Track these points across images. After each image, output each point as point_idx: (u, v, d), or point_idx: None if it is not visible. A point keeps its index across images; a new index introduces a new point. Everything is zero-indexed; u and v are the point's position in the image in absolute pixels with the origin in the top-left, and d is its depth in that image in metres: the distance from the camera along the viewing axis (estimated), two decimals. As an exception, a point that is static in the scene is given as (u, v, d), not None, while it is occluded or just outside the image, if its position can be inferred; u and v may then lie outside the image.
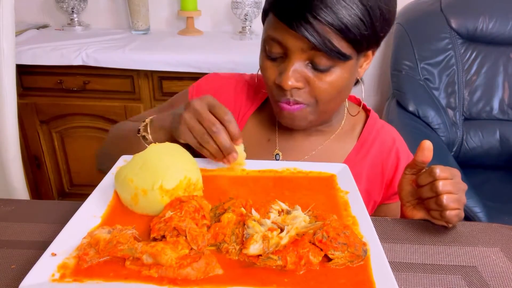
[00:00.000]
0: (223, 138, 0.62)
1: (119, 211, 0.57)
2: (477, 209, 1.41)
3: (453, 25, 1.83)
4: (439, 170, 0.60)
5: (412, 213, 0.66)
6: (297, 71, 0.67)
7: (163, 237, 0.49)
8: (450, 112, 1.85)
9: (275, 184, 0.66)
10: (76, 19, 2.05)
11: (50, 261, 0.45)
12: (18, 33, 1.84)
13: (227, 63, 1.68)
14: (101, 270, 0.45)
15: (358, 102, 0.88)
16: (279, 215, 0.54)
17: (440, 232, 0.62)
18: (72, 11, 2.02)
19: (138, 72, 1.75)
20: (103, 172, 0.87)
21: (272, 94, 0.73)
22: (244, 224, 0.51)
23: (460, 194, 0.61)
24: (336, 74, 0.67)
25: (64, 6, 2.00)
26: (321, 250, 0.48)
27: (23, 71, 1.73)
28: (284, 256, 0.46)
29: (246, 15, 1.94)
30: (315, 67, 0.67)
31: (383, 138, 0.83)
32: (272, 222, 0.51)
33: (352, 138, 0.84)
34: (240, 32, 2.00)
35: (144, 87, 1.78)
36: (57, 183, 2.02)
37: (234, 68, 1.67)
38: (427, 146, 0.63)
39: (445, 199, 0.59)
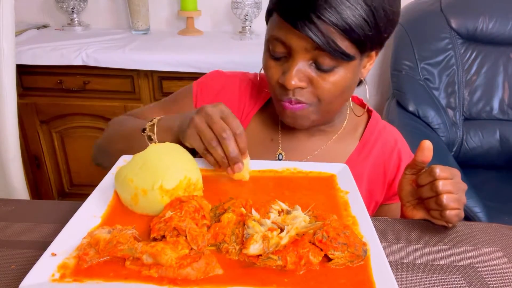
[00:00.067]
0: (232, 146, 0.61)
1: (119, 211, 0.57)
2: (477, 209, 1.41)
3: (453, 25, 1.83)
4: (439, 170, 0.60)
5: (412, 213, 0.66)
6: (300, 71, 0.67)
7: (163, 237, 0.49)
8: (450, 112, 1.85)
9: (275, 184, 0.66)
10: (76, 19, 2.05)
11: (50, 261, 0.45)
12: (18, 33, 1.84)
13: (227, 63, 1.69)
14: (101, 270, 0.45)
15: (360, 102, 0.88)
16: (279, 215, 0.54)
17: (440, 232, 0.62)
18: (72, 11, 2.02)
19: (138, 72, 1.75)
20: (99, 166, 0.86)
21: (275, 93, 0.73)
22: (244, 224, 0.51)
23: (460, 194, 0.61)
24: (340, 74, 0.67)
25: (64, 6, 2.00)
26: (321, 250, 0.48)
27: (23, 71, 1.73)
28: (284, 256, 0.46)
29: (246, 15, 1.94)
30: (318, 67, 0.67)
31: (385, 139, 0.83)
32: (272, 222, 0.51)
33: (354, 138, 0.84)
34: (240, 32, 2.00)
35: (144, 87, 1.78)
36: (57, 183, 2.02)
37: (234, 68, 1.66)
38: (427, 146, 0.63)
39: (445, 198, 0.59)
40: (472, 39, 1.85)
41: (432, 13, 1.86)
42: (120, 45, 1.79)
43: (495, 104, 1.86)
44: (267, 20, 0.72)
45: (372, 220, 0.55)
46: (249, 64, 1.66)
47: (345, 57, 0.64)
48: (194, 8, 2.03)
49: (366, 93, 0.80)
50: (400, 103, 1.82)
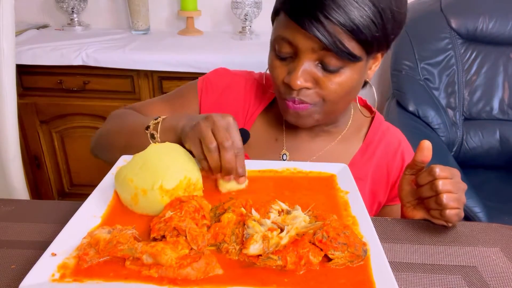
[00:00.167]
0: (230, 157, 0.59)
1: (119, 211, 0.57)
2: (477, 209, 1.41)
3: (453, 25, 1.83)
4: (438, 170, 0.60)
5: (412, 213, 0.66)
6: (306, 71, 0.67)
7: (163, 237, 0.49)
8: (450, 112, 1.85)
9: (275, 184, 0.66)
10: (76, 19, 2.05)
11: (50, 261, 0.45)
12: (18, 33, 1.84)
13: (227, 63, 1.66)
14: (101, 270, 0.45)
15: (363, 104, 0.89)
16: (279, 215, 0.54)
17: (440, 232, 0.62)
18: (72, 11, 2.02)
19: (138, 72, 1.75)
20: (97, 157, 0.86)
21: (279, 91, 0.73)
22: (244, 224, 0.51)
23: (460, 194, 0.61)
24: (346, 75, 0.67)
25: (64, 6, 2.00)
26: (321, 250, 0.48)
27: (23, 71, 1.73)
28: (284, 256, 0.46)
29: (246, 15, 1.94)
30: (324, 68, 0.66)
31: (389, 140, 0.83)
32: (272, 222, 0.51)
33: (358, 139, 0.84)
34: (240, 32, 2.00)
35: (144, 87, 1.78)
36: (57, 183, 2.02)
37: (234, 68, 1.67)
38: (427, 146, 0.63)
39: (445, 198, 0.59)
40: (472, 39, 1.85)
41: (432, 13, 1.86)
42: (120, 45, 1.79)
43: (495, 104, 1.86)
44: (273, 20, 0.72)
45: (372, 220, 0.55)
46: (249, 64, 1.65)
47: (352, 58, 0.64)
48: (194, 8, 2.03)
49: (369, 94, 0.80)
50: (400, 103, 1.82)
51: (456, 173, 0.62)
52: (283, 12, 0.66)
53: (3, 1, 1.21)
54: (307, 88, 0.68)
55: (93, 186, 0.60)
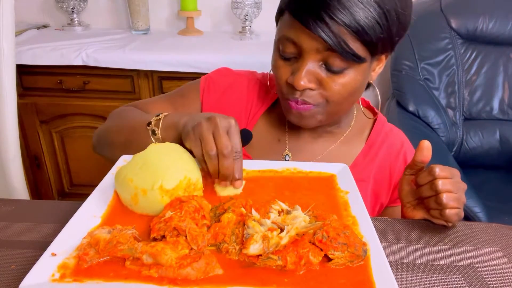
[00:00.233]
0: (227, 165, 0.59)
1: (119, 211, 0.57)
2: (477, 209, 1.41)
3: (453, 25, 1.83)
4: (438, 169, 0.60)
5: (412, 213, 0.66)
6: (310, 72, 0.66)
7: (163, 237, 0.49)
8: (450, 112, 1.85)
9: (275, 184, 0.66)
10: (76, 19, 2.05)
11: (50, 261, 0.45)
12: (18, 33, 1.84)
13: (227, 63, 1.66)
14: (101, 270, 0.45)
15: (366, 105, 0.89)
16: (279, 215, 0.54)
17: (440, 232, 0.62)
18: (72, 11, 2.02)
19: (138, 72, 1.75)
20: (99, 155, 0.86)
21: (282, 92, 0.72)
22: (244, 224, 0.51)
23: (459, 193, 0.61)
24: (350, 76, 0.67)
25: (64, 6, 2.00)
26: (321, 250, 0.48)
27: (23, 71, 1.73)
28: (284, 256, 0.46)
29: (246, 15, 1.94)
30: (328, 68, 0.66)
31: (392, 141, 0.83)
32: (272, 222, 0.51)
33: (360, 141, 0.84)
34: (240, 32, 2.00)
35: (144, 87, 1.78)
36: (57, 183, 2.02)
37: (234, 68, 1.67)
38: (426, 146, 0.63)
39: (445, 197, 0.59)
40: (472, 39, 1.85)
41: (432, 13, 1.86)
42: (120, 45, 1.79)
43: (495, 104, 1.86)
44: (277, 20, 0.71)
45: (372, 220, 0.55)
46: (249, 64, 1.65)
47: (356, 59, 0.64)
48: (194, 8, 2.03)
49: (372, 94, 0.79)
50: (400, 103, 1.82)
51: (456, 173, 0.62)
52: (287, 12, 0.66)
53: (3, 1, 1.21)
54: (311, 89, 0.68)
55: (93, 186, 0.60)
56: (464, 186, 0.63)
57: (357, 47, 0.63)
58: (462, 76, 1.86)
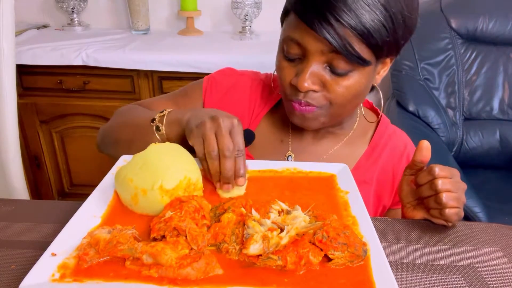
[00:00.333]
0: (229, 166, 0.59)
1: (119, 211, 0.57)
2: (477, 209, 1.41)
3: (453, 25, 1.83)
4: (438, 169, 0.60)
5: (413, 214, 0.66)
6: (314, 74, 0.66)
7: (163, 237, 0.49)
8: (450, 112, 1.85)
9: (275, 184, 0.66)
10: (76, 19, 2.05)
11: (50, 261, 0.45)
12: (18, 33, 1.84)
13: (227, 63, 1.66)
14: (101, 270, 0.45)
15: (370, 106, 0.88)
16: (279, 215, 0.54)
17: (440, 232, 0.62)
18: (72, 11, 2.02)
19: (138, 72, 1.75)
20: (103, 153, 0.86)
21: (286, 93, 0.72)
22: (244, 224, 0.51)
23: (459, 193, 0.61)
24: (354, 79, 0.66)
25: (64, 6, 2.00)
26: (321, 250, 0.48)
27: (23, 71, 1.73)
28: (284, 256, 0.46)
29: (246, 15, 1.94)
30: (333, 71, 0.66)
31: (395, 143, 0.83)
32: (272, 222, 0.51)
33: (363, 142, 0.84)
34: (240, 32, 2.00)
35: (144, 87, 1.78)
36: (57, 183, 2.02)
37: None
38: (425, 146, 0.63)
39: (445, 197, 0.59)
40: (472, 39, 1.85)
41: (432, 13, 1.86)
42: (120, 45, 1.79)
43: (495, 104, 1.86)
44: (282, 20, 0.71)
45: (372, 220, 0.55)
46: (249, 64, 1.65)
47: (361, 62, 0.64)
48: (194, 8, 2.03)
49: (376, 96, 0.79)
50: (400, 103, 1.82)
51: (455, 172, 0.62)
52: (293, 13, 0.66)
53: (3, 1, 1.21)
54: (314, 91, 0.68)
55: (93, 186, 0.60)
56: (464, 186, 0.62)
57: (362, 49, 0.63)
58: (462, 76, 1.86)
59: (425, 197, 0.63)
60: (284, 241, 0.48)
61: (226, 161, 0.59)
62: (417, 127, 1.73)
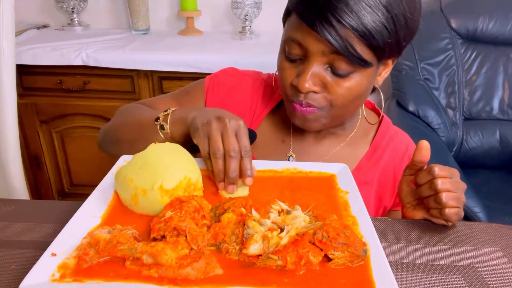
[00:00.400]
0: (234, 167, 0.59)
1: (119, 211, 0.57)
2: (477, 209, 1.40)
3: (453, 25, 1.83)
4: (438, 169, 0.60)
5: (412, 214, 0.66)
6: (315, 75, 0.66)
7: (163, 237, 0.49)
8: (450, 112, 1.85)
9: (275, 184, 0.66)
10: (76, 19, 2.05)
11: (50, 261, 0.45)
12: (18, 33, 1.84)
13: (227, 63, 1.66)
14: (101, 270, 0.45)
15: (372, 107, 0.88)
16: (279, 215, 0.54)
17: (440, 232, 0.62)
18: (72, 11, 2.02)
19: (138, 72, 1.75)
20: (105, 152, 0.86)
21: (287, 93, 0.72)
22: (244, 224, 0.51)
23: (459, 193, 0.61)
24: (355, 80, 0.66)
25: (64, 6, 2.00)
26: (321, 250, 0.48)
27: (23, 71, 1.73)
28: (284, 256, 0.46)
29: (246, 15, 1.94)
30: (334, 72, 0.66)
31: (396, 144, 0.83)
32: (272, 222, 0.51)
33: (365, 143, 0.84)
34: (240, 32, 2.00)
35: (144, 87, 1.78)
36: (57, 183, 2.02)
37: (234, 68, 1.67)
38: (425, 145, 0.63)
39: (444, 196, 0.59)
40: (472, 39, 1.85)
41: (432, 13, 1.86)
42: (120, 45, 1.79)
43: (495, 104, 1.86)
44: (284, 21, 0.71)
45: (372, 220, 0.55)
46: (249, 64, 1.64)
47: (362, 63, 0.63)
48: (194, 8, 2.03)
49: (371, 96, 0.79)
50: (400, 103, 1.82)
51: (455, 172, 0.62)
52: (294, 14, 0.66)
53: (3, 1, 1.21)
54: (315, 92, 0.68)
55: (93, 186, 0.60)
56: (463, 185, 0.62)
57: (363, 51, 0.63)
58: (462, 76, 1.86)
59: (425, 197, 0.63)
60: (284, 241, 0.48)
61: (231, 161, 0.59)
62: (417, 127, 1.73)
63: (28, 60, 1.69)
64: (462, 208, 0.62)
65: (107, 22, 2.18)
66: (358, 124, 0.85)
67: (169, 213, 0.50)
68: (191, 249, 0.47)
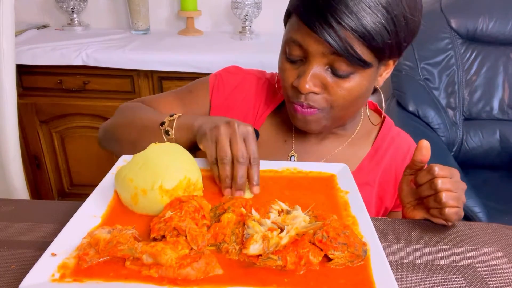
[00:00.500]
0: (242, 173, 0.59)
1: (119, 211, 0.57)
2: (477, 209, 1.41)
3: (453, 25, 1.83)
4: (438, 168, 0.60)
5: (413, 213, 0.66)
6: (315, 76, 0.66)
7: (163, 237, 0.49)
8: (450, 112, 1.85)
9: (275, 184, 0.66)
10: (76, 19, 2.05)
11: (50, 261, 0.45)
12: (18, 33, 1.84)
13: (227, 63, 1.66)
14: (101, 270, 0.45)
15: (374, 108, 0.88)
16: (279, 215, 0.54)
17: (440, 232, 0.62)
18: (72, 11, 2.02)
19: (138, 72, 1.75)
20: (105, 149, 0.85)
21: (288, 94, 0.72)
22: (244, 224, 0.51)
23: (459, 193, 0.61)
24: (355, 81, 0.66)
25: (64, 6, 2.00)
26: (321, 250, 0.48)
27: (23, 71, 1.73)
28: (284, 256, 0.46)
29: (246, 15, 1.94)
30: (334, 73, 0.66)
31: (398, 145, 0.83)
32: (272, 222, 0.51)
33: (367, 143, 0.84)
34: (240, 32, 2.00)
35: (144, 87, 1.78)
36: (57, 183, 2.02)
37: (234, 68, 1.67)
38: (425, 145, 0.63)
39: (444, 196, 0.59)
40: (472, 39, 1.85)
41: (432, 13, 1.86)
42: (120, 45, 1.79)
43: (495, 104, 1.86)
44: (285, 22, 0.71)
45: (372, 220, 0.55)
46: (249, 64, 1.64)
47: (362, 64, 0.63)
48: (194, 8, 2.03)
49: (372, 96, 0.79)
50: (400, 103, 1.82)
51: (455, 172, 0.62)
52: (295, 15, 0.66)
53: (3, 1, 1.21)
54: (315, 93, 0.68)
55: (93, 186, 0.60)
56: (463, 185, 0.62)
57: (363, 52, 0.63)
58: (462, 76, 1.86)
59: (424, 196, 0.63)
60: (284, 241, 0.48)
61: (239, 167, 0.59)
62: (417, 127, 1.73)
63: (28, 60, 1.69)
64: (462, 208, 0.62)
65: (107, 22, 2.18)
66: (360, 124, 0.85)
67: (169, 213, 0.50)
68: (191, 249, 0.47)
